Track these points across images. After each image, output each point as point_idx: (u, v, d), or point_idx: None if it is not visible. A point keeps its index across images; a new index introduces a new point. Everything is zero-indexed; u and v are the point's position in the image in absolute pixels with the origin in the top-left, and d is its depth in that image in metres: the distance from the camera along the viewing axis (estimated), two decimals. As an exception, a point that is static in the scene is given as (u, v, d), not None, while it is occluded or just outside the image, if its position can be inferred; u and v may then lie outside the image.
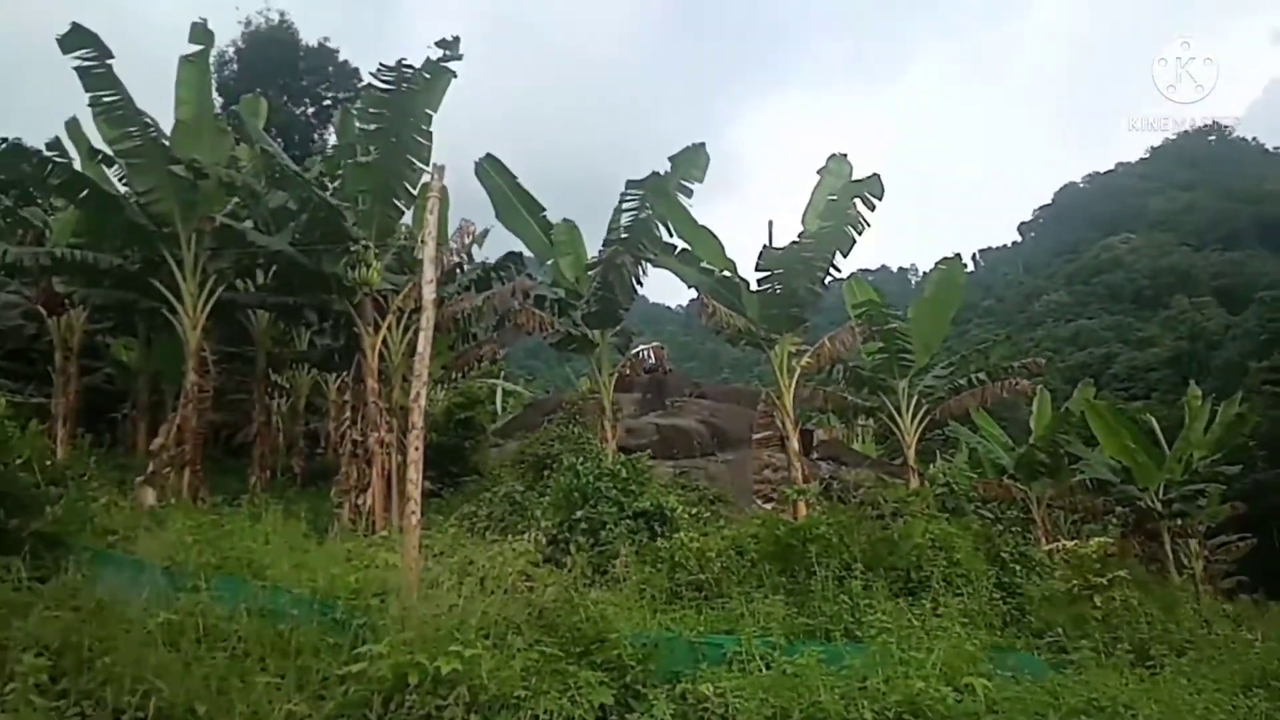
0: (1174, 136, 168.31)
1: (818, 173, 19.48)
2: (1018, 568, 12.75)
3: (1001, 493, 22.99)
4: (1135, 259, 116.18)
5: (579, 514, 12.52)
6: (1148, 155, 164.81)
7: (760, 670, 7.07)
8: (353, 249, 16.18)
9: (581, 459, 13.57)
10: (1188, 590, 18.83)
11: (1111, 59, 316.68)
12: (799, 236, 18.08)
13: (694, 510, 14.19)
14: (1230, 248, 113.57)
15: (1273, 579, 25.19)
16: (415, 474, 8.48)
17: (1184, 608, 13.13)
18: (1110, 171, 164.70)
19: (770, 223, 24.82)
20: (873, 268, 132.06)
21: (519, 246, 20.58)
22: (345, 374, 18.36)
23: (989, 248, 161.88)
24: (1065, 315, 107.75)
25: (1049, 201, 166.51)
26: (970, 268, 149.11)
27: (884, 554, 11.63)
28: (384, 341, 16.78)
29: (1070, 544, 12.92)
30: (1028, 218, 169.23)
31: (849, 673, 6.56)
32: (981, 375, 21.92)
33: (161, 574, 7.75)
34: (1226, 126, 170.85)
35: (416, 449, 8.54)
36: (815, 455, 26.19)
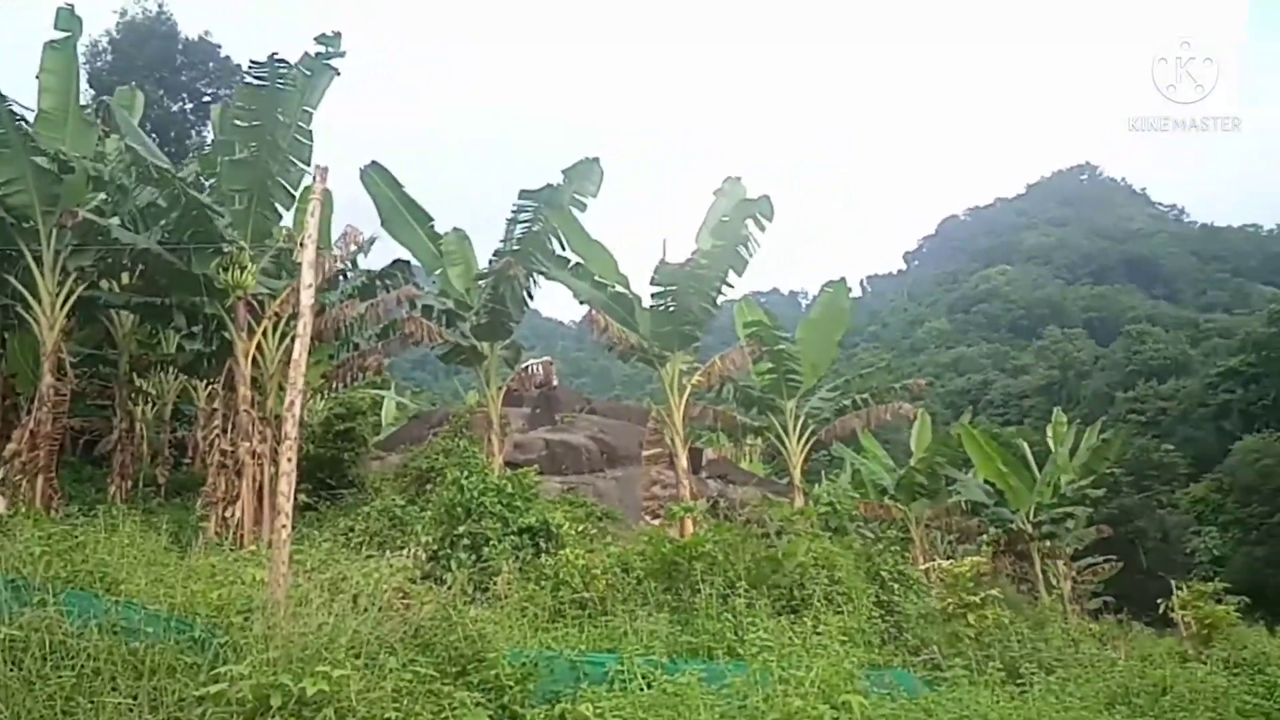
0: (1049, 175, 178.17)
1: (714, 194, 19.76)
2: (896, 586, 12.98)
3: (882, 513, 23.54)
4: (1012, 290, 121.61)
5: (461, 529, 12.17)
6: (1024, 191, 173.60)
7: (641, 689, 6.93)
8: (225, 250, 15.45)
9: (466, 473, 13.21)
10: (1056, 610, 19.53)
11: (994, 93, 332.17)
12: (693, 255, 18.23)
13: (580, 527, 13.99)
14: (1100, 282, 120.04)
15: (1136, 599, 26.42)
16: (286, 486, 8.05)
17: (1052, 626, 13.56)
18: (989, 206, 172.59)
19: (665, 241, 25.03)
20: (765, 290, 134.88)
21: (408, 255, 20.08)
22: (215, 381, 17.44)
23: (876, 275, 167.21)
24: (946, 342, 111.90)
25: (933, 232, 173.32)
26: (858, 293, 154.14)
27: (768, 572, 11.66)
28: (258, 347, 16.07)
29: (946, 563, 13.24)
30: (913, 247, 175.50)
31: (729, 691, 6.47)
32: (866, 397, 22.41)
33: (5, 587, 7.14)
34: (1097, 167, 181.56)
35: (289, 460, 8.11)
36: (704, 473, 26.35)
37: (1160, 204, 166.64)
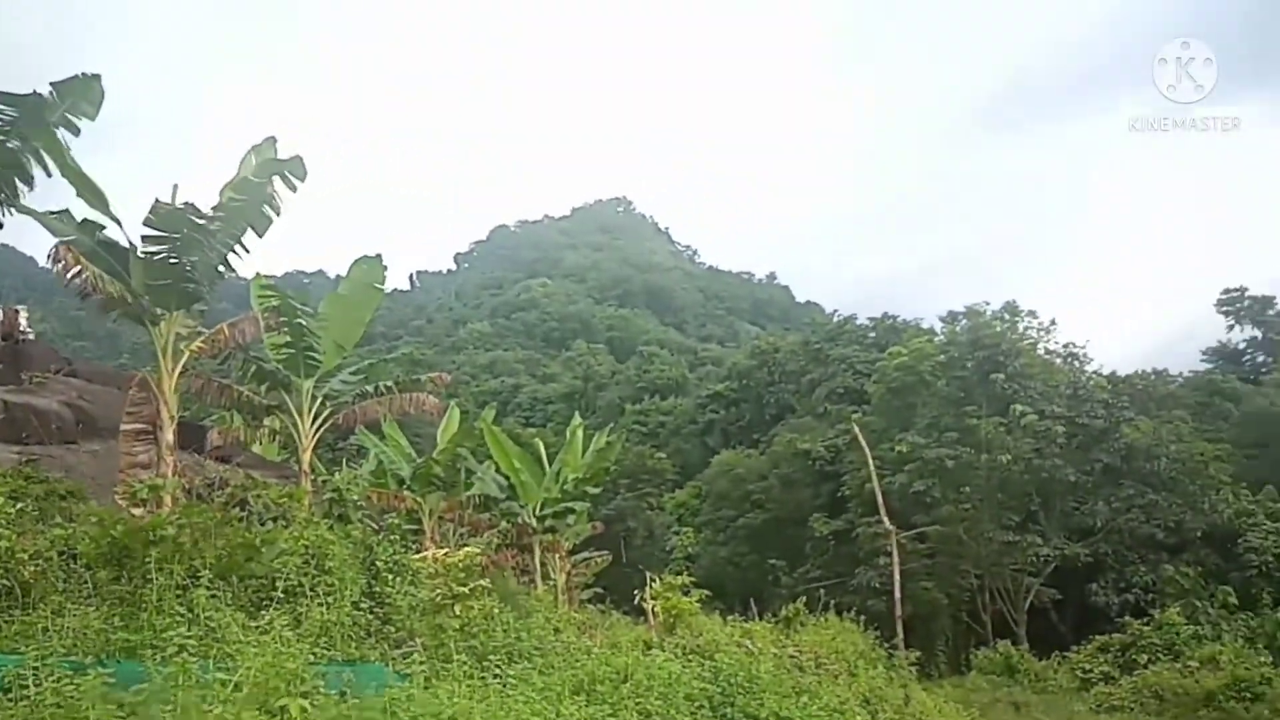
0: (592, 202, 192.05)
1: (250, 150, 17.89)
2: (391, 577, 12.47)
3: (396, 503, 23.02)
4: (549, 303, 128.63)
5: None
6: (570, 213, 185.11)
7: (44, 699, 5.64)
8: None
9: None
10: (548, 600, 20.42)
11: (556, 115, 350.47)
12: (211, 209, 16.29)
13: (19, 506, 11.61)
14: (624, 305, 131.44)
15: (621, 591, 28.64)
16: None
17: (538, 616, 13.96)
18: (538, 221, 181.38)
19: (175, 186, 22.15)
20: (309, 271, 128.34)
21: None
22: None
23: (427, 271, 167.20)
24: (486, 345, 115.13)
25: (485, 238, 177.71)
26: (407, 287, 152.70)
27: (241, 561, 10.51)
28: None
29: (441, 553, 13.03)
30: (465, 249, 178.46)
31: (139, 696, 5.45)
32: (391, 385, 21.74)
33: None
34: (632, 202, 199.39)
35: None
36: (209, 454, 23.90)
37: (679, 244, 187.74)
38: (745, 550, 48.91)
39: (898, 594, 31.77)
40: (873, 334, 63.78)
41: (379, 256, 20.46)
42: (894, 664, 21.14)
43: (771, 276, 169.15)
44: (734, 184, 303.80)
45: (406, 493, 25.01)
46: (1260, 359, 65.14)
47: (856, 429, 40.50)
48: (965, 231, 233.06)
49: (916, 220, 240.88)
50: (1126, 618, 32.87)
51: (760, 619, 22.92)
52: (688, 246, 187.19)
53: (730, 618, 22.13)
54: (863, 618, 23.54)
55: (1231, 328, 66.20)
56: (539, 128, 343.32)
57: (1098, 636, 31.04)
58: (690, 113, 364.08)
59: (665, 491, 60.21)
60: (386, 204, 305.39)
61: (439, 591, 11.65)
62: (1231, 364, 64.73)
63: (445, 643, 10.37)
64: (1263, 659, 26.27)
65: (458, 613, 11.33)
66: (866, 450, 37.55)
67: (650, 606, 17.65)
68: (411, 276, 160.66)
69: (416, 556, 13.08)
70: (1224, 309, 65.82)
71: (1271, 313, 65.11)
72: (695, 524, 54.00)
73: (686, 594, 18.41)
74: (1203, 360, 66.75)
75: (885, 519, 34.84)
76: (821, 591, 30.25)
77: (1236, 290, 65.61)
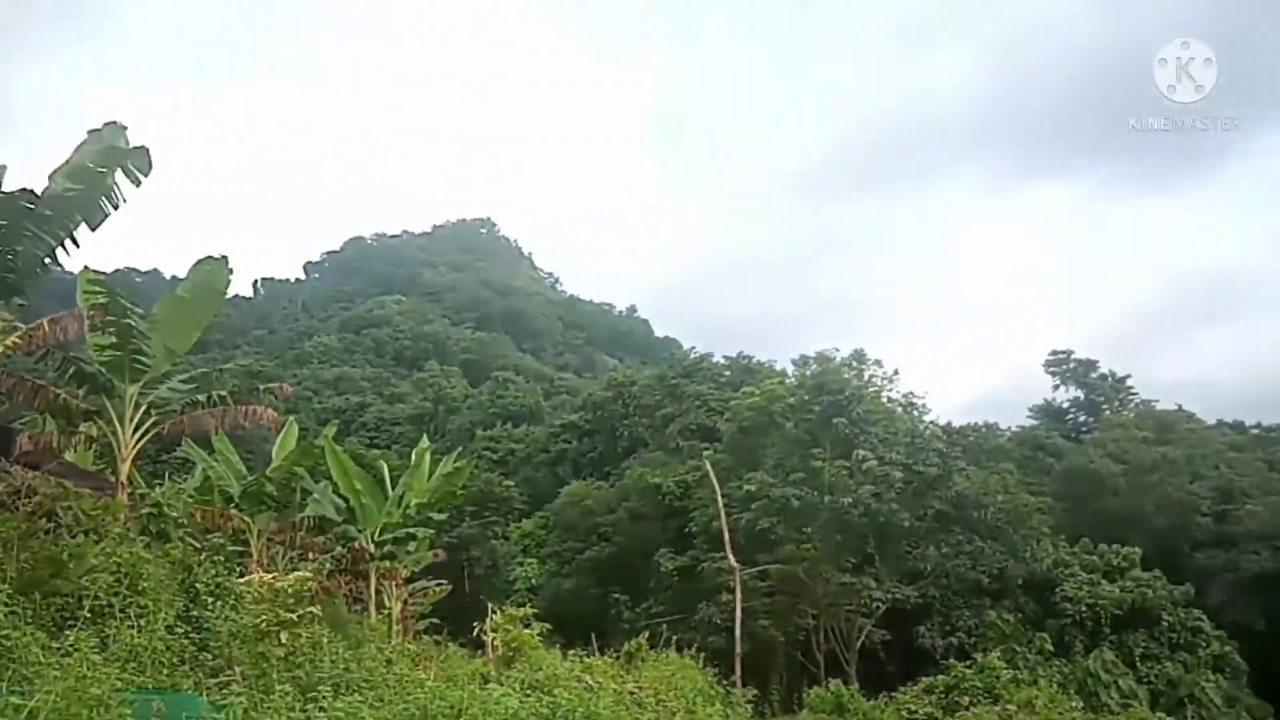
0: (455, 220, 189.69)
1: (88, 133, 16.63)
2: (211, 600, 11.65)
3: (222, 522, 21.67)
4: (403, 320, 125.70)
5: None
6: (430, 230, 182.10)
7: None
8: None
9: None
10: (381, 629, 19.60)
11: (410, 125, 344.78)
12: (40, 193, 15.04)
13: None
14: (481, 328, 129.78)
15: (460, 622, 27.76)
16: None
17: (370, 646, 13.33)
18: (396, 236, 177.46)
19: (3, 166, 20.48)
20: (143, 270, 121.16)
21: None
22: None
23: (273, 278, 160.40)
24: (332, 360, 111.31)
25: (338, 248, 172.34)
26: (249, 294, 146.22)
27: (46, 576, 9.60)
28: None
29: (268, 577, 12.26)
30: (316, 259, 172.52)
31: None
32: (225, 395, 20.53)
33: None
34: (496, 225, 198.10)
35: None
36: (16, 459, 21.88)
37: (542, 270, 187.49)
38: (590, 583, 48.60)
39: (738, 631, 32.20)
40: (728, 373, 65.01)
41: (224, 259, 19.34)
42: (731, 701, 21.29)
43: (632, 309, 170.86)
44: (599, 217, 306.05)
45: (234, 511, 23.60)
46: (1082, 418, 70.33)
47: (708, 465, 41.10)
48: (822, 280, 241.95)
49: (776, 266, 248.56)
50: (950, 660, 34.27)
51: (602, 654, 22.66)
52: (550, 273, 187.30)
53: (571, 652, 21.81)
54: (703, 654, 23.63)
55: (1057, 387, 71.53)
56: (403, 139, 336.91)
57: (924, 678, 32.23)
58: (561, 142, 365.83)
59: (512, 520, 59.30)
60: (232, 203, 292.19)
61: (264, 618, 10.94)
62: (1055, 421, 69.45)
63: (267, 672, 9.79)
64: (1074, 704, 27.89)
65: (283, 641, 10.66)
66: (716, 487, 38.09)
67: (490, 639, 17.18)
68: (256, 283, 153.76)
69: (241, 580, 12.30)
70: (1051, 369, 71.12)
71: (1094, 375, 70.59)
72: (540, 555, 53.34)
73: (528, 626, 18.04)
74: (1029, 417, 71.43)
75: (730, 556, 35.32)
76: (664, 627, 30.34)
77: (1063, 353, 71.13)
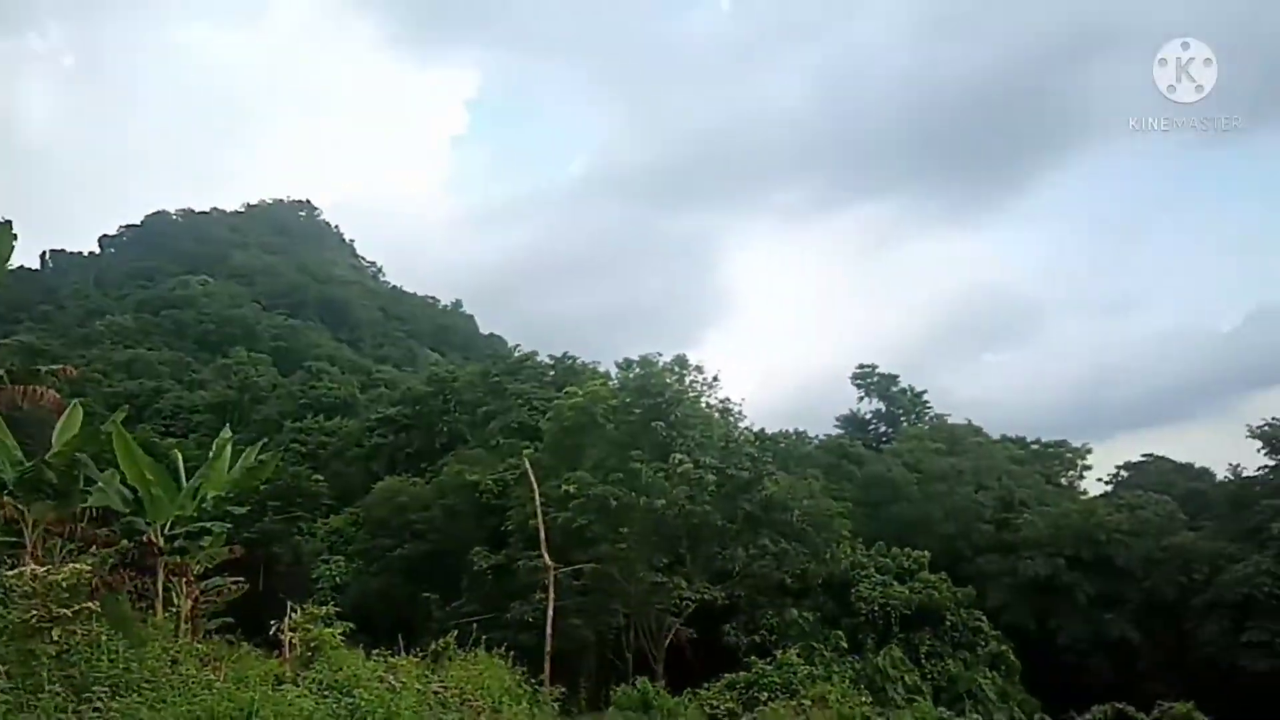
0: (270, 200, 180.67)
1: None
2: (-28, 595, 10.56)
3: (-9, 511, 19.69)
4: (209, 303, 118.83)
5: None
6: (244, 209, 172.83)
7: None
8: None
9: None
10: (167, 628, 18.31)
11: (239, 104, 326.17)
12: None
13: None
14: (295, 315, 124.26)
15: (259, 621, 26.40)
16: None
17: (154, 645, 12.43)
18: (205, 213, 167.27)
19: None
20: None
21: None
22: None
23: (63, 251, 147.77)
24: (126, 340, 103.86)
25: (138, 222, 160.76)
26: (37, 265, 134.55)
27: None
28: None
29: (40, 570, 11.21)
30: (113, 232, 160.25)
31: None
32: (1, 374, 18.70)
33: None
34: (318, 208, 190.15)
35: None
36: None
37: (364, 259, 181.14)
38: (400, 582, 47.29)
39: (549, 630, 32.13)
40: (552, 373, 64.86)
41: (8, 224, 17.68)
42: (538, 700, 21.20)
43: (457, 304, 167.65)
44: (425, 208, 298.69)
45: (8, 499, 21.49)
46: (882, 429, 75.28)
47: (527, 464, 40.90)
48: (648, 286, 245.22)
49: (602, 270, 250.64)
50: (753, 657, 35.48)
51: (409, 653, 22.06)
52: (373, 263, 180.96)
53: (376, 652, 21.14)
54: (513, 653, 23.44)
55: (862, 399, 76.56)
56: (217, 111, 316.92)
57: (727, 675, 33.20)
58: (387, 129, 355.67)
59: (320, 516, 56.94)
60: (20, 166, 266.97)
61: (34, 613, 9.98)
62: (859, 431, 73.94)
63: (37, 671, 8.99)
64: (864, 698, 29.71)
65: (55, 638, 9.76)
66: (535, 485, 37.94)
67: (287, 638, 16.39)
68: (44, 255, 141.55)
69: (11, 572, 11.19)
70: (857, 382, 75.99)
71: (894, 389, 75.82)
72: (348, 552, 51.40)
73: (329, 625, 17.36)
74: (836, 426, 75.83)
75: (545, 555, 35.23)
76: (474, 626, 29.83)
77: (869, 367, 76.25)
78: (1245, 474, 52.80)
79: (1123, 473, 70.64)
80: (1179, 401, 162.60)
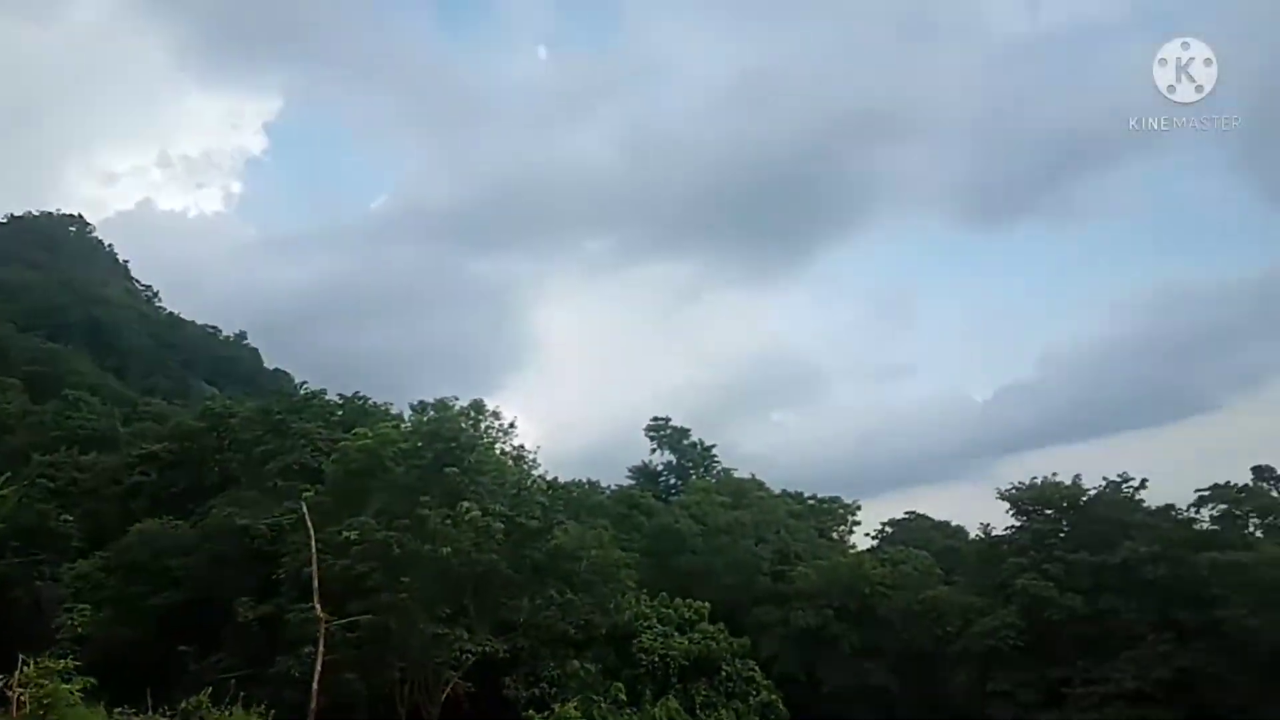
0: (37, 214, 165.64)
1: None
2: None
3: None
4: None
5: None
6: (6, 220, 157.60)
7: None
8: None
9: None
10: None
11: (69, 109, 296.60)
12: None
13: None
14: (55, 338, 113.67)
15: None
16: None
17: None
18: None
19: None
20: None
21: None
22: None
23: None
24: None
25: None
26: None
27: None
28: None
29: None
30: None
31: None
32: None
33: None
34: (90, 225, 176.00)
35: None
36: None
37: (139, 281, 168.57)
38: (155, 633, 43.58)
39: (315, 685, 30.59)
40: (340, 412, 62.25)
41: None
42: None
43: (241, 335, 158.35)
44: (209, 230, 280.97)
45: None
46: (673, 481, 77.55)
47: (305, 507, 38.99)
48: (447, 328, 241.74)
49: (401, 310, 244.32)
50: (531, 711, 35.16)
51: (157, 710, 20.48)
52: (149, 287, 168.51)
53: (119, 710, 19.52)
54: (273, 711, 22.24)
55: (654, 451, 78.77)
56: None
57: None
58: (169, 146, 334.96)
59: (67, 560, 51.78)
60: None
61: None
62: (650, 482, 75.81)
63: None
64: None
65: None
66: (311, 531, 36.24)
67: (15, 695, 14.87)
68: None
69: None
70: (650, 434, 78.18)
71: (685, 442, 78.52)
72: (97, 600, 46.93)
73: (68, 680, 15.87)
74: (628, 477, 77.41)
75: (318, 605, 33.63)
76: (233, 682, 28.01)
77: (662, 419, 78.69)
78: (994, 533, 57.40)
79: (887, 529, 75.88)
80: (941, 463, 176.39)
